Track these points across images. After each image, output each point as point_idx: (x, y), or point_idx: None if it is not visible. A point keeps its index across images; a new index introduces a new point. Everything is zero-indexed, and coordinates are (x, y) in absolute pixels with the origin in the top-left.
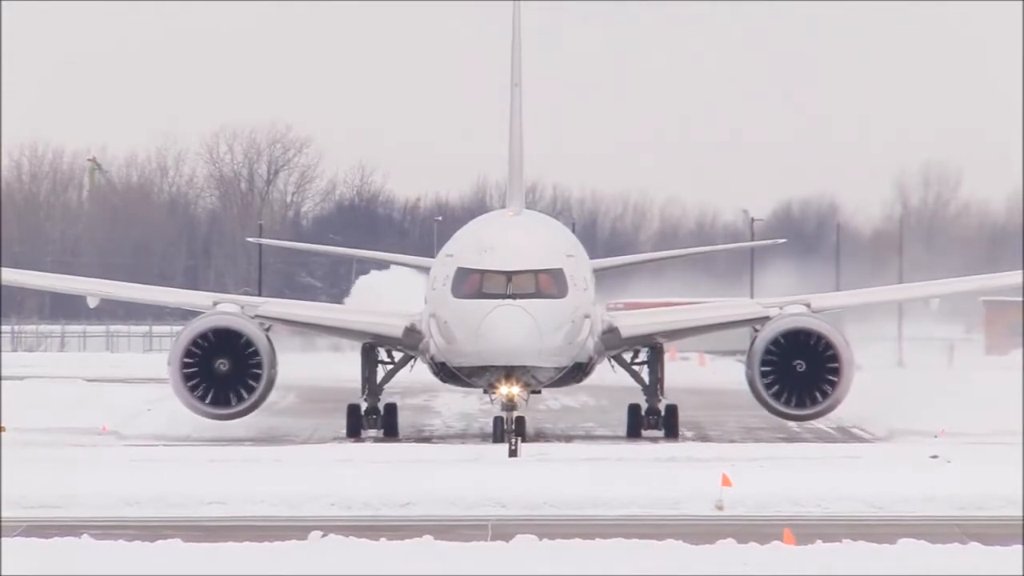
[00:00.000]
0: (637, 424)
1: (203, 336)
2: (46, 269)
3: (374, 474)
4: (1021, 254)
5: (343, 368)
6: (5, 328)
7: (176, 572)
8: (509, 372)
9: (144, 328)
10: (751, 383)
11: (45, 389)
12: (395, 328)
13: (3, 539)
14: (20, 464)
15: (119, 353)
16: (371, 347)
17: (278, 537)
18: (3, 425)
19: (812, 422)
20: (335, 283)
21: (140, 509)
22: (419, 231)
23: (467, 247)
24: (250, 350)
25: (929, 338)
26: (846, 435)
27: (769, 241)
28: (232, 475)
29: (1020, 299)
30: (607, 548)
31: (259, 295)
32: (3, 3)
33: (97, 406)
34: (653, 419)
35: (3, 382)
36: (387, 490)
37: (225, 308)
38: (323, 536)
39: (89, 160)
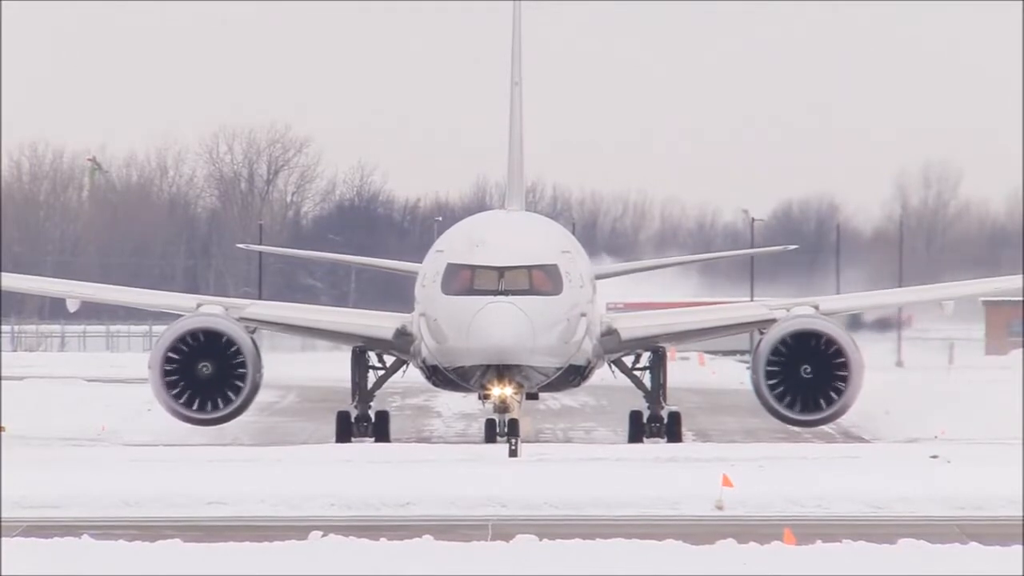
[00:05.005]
0: (639, 432)
1: (185, 338)
2: (46, 269)
3: (374, 474)
4: (1021, 254)
5: (344, 368)
6: (5, 328)
7: (176, 572)
8: (501, 372)
9: (144, 328)
10: (756, 388)
11: (45, 389)
12: (385, 330)
13: (3, 539)
14: (20, 464)
15: (119, 353)
16: (361, 352)
17: (278, 537)
18: (3, 425)
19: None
20: (336, 284)
21: (140, 509)
22: (419, 231)
23: (457, 242)
24: (234, 352)
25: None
26: (846, 435)
27: (779, 248)
28: (232, 475)
29: (1020, 299)
30: (607, 548)
31: (259, 295)
32: (3, 3)
33: (97, 406)
34: (655, 426)
35: (3, 382)
36: (387, 490)
37: (208, 310)
38: (323, 536)
39: (89, 160)
